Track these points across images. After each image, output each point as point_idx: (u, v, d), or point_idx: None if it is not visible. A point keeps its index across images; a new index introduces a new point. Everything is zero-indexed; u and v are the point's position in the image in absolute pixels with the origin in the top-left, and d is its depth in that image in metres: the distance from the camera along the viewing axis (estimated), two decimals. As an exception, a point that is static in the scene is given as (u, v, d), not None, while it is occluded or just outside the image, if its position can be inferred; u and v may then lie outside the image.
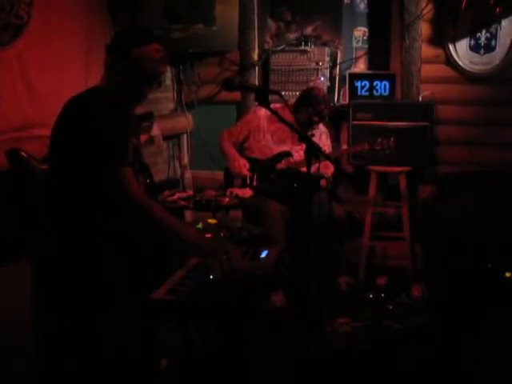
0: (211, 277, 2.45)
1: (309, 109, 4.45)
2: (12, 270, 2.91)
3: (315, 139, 4.54)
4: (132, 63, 2.45)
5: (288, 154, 4.53)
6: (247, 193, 4.48)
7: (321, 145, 4.56)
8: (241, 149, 4.71)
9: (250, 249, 2.74)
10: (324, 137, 4.72)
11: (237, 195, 4.43)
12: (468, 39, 4.80)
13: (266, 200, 4.35)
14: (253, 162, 4.57)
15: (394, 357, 3.51)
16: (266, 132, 4.60)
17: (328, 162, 4.09)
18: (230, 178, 4.62)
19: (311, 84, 5.02)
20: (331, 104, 4.57)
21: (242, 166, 4.54)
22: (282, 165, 4.53)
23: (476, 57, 4.79)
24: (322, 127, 4.74)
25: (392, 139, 4.41)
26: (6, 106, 3.47)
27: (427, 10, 4.84)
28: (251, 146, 4.63)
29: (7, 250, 2.96)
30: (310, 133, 4.55)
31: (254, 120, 4.64)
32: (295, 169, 4.47)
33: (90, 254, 2.42)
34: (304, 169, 4.32)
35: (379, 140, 4.43)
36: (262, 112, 4.62)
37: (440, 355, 3.46)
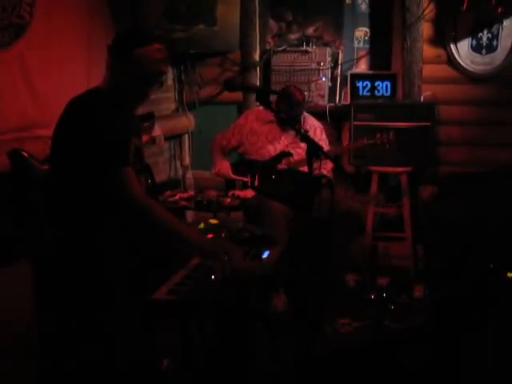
0: (212, 277, 2.45)
1: (280, 108, 4.45)
2: (12, 270, 2.91)
3: (310, 135, 4.53)
4: (133, 64, 2.45)
5: (288, 154, 4.52)
6: (249, 194, 4.48)
7: (316, 139, 4.55)
8: (239, 154, 4.71)
9: (251, 249, 2.73)
10: (318, 131, 4.70)
11: (239, 197, 4.43)
12: (469, 39, 4.80)
13: (268, 200, 4.35)
14: (253, 164, 4.57)
15: (394, 357, 3.50)
16: (260, 134, 4.60)
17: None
18: (232, 180, 4.62)
19: (306, 92, 5.05)
20: (298, 103, 4.54)
21: (225, 167, 4.56)
22: (282, 165, 4.53)
23: (478, 57, 4.79)
24: (315, 122, 4.73)
25: (392, 133, 4.39)
26: (8, 107, 3.46)
27: (428, 10, 4.83)
28: (248, 150, 4.63)
29: (7, 250, 2.96)
30: (303, 130, 4.54)
31: (246, 124, 4.65)
32: (296, 169, 4.47)
33: (90, 254, 2.42)
34: (304, 168, 4.33)
35: (379, 135, 4.41)
36: (253, 115, 4.64)
37: (440, 355, 3.46)
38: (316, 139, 4.55)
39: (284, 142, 4.58)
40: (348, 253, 4.70)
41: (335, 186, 4.65)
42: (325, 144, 4.72)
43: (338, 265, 4.57)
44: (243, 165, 4.64)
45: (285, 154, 4.53)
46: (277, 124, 4.55)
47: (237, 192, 4.49)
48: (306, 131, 4.55)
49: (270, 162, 4.52)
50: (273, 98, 4.47)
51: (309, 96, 5.08)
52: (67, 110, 2.49)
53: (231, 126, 4.80)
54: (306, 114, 4.70)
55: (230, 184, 4.62)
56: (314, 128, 4.69)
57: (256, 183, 4.54)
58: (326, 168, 4.52)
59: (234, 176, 4.57)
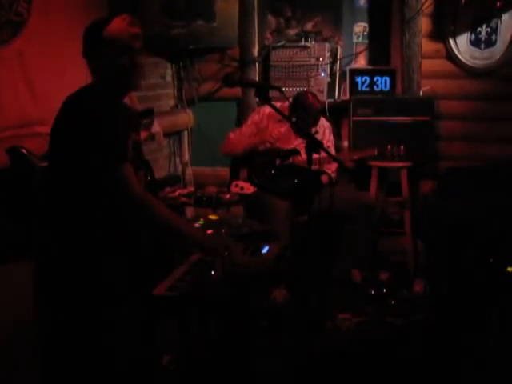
0: (212, 273, 2.45)
1: (296, 114, 4.43)
2: (12, 270, 2.91)
3: (319, 136, 4.53)
4: (107, 43, 2.40)
5: (296, 153, 4.49)
6: (251, 187, 4.47)
7: (324, 141, 4.56)
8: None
9: (251, 245, 2.74)
10: (327, 132, 4.71)
11: (242, 188, 4.43)
12: (468, 34, 4.80)
13: (269, 196, 4.34)
14: (253, 157, 4.55)
15: (395, 352, 3.51)
16: (271, 131, 4.58)
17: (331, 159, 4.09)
18: (236, 171, 4.59)
19: (306, 87, 5.04)
20: (318, 112, 4.54)
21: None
22: (288, 162, 4.51)
23: (477, 51, 4.79)
24: (325, 122, 4.73)
25: (402, 147, 4.40)
26: (7, 104, 3.47)
27: (427, 5, 4.83)
28: (258, 147, 4.60)
29: (7, 249, 2.96)
30: (314, 130, 4.54)
31: (261, 120, 4.61)
32: (296, 165, 4.46)
33: (90, 252, 2.41)
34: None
35: (389, 147, 4.41)
36: (266, 111, 4.60)
37: (441, 351, 3.46)
38: (324, 140, 4.56)
39: (294, 142, 4.56)
40: (355, 248, 4.66)
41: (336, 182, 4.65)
42: (332, 145, 4.72)
43: (344, 260, 4.54)
44: (247, 158, 4.61)
45: (293, 152, 4.50)
46: (288, 123, 4.51)
47: (240, 183, 4.48)
48: (317, 132, 4.55)
49: (274, 156, 4.51)
50: (273, 95, 4.45)
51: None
52: (64, 107, 2.48)
53: (245, 124, 4.71)
54: None
55: (234, 174, 4.59)
56: (324, 128, 4.68)
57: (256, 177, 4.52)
58: (331, 168, 4.52)
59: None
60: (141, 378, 2.55)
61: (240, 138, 4.63)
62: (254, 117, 4.68)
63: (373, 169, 4.81)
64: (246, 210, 4.55)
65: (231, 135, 4.66)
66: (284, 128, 4.54)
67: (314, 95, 4.58)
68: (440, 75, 4.93)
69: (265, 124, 4.59)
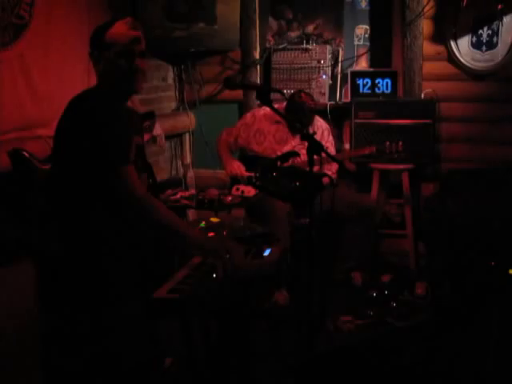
0: (214, 276, 2.45)
1: (291, 114, 4.43)
2: (12, 270, 2.91)
3: (317, 137, 4.53)
4: (109, 46, 2.41)
5: (295, 154, 4.50)
6: (252, 190, 4.48)
7: (323, 142, 4.55)
8: (244, 151, 4.68)
9: (252, 247, 2.74)
10: (326, 133, 4.71)
11: (243, 192, 4.43)
12: (470, 36, 4.80)
13: (270, 199, 4.34)
14: (255, 160, 4.56)
15: (396, 354, 3.50)
16: (267, 133, 4.58)
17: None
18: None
19: (307, 90, 5.04)
20: (311, 110, 4.53)
21: (237, 167, 4.54)
22: (288, 164, 4.51)
23: (478, 54, 4.79)
24: (323, 124, 4.73)
25: (400, 143, 4.39)
26: (8, 106, 3.47)
27: (428, 8, 4.83)
28: (254, 149, 4.59)
29: (8, 250, 2.96)
30: (311, 131, 4.54)
31: (253, 123, 4.61)
32: (297, 167, 4.46)
33: (91, 253, 2.42)
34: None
35: (387, 143, 4.41)
36: (261, 114, 4.60)
37: (442, 353, 3.46)
38: (323, 141, 4.55)
39: (291, 143, 4.56)
40: (356, 250, 4.67)
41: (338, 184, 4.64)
42: (331, 146, 4.71)
43: (345, 262, 4.54)
44: (246, 162, 4.62)
45: (292, 154, 4.50)
46: (285, 124, 4.52)
47: (241, 187, 4.49)
48: (314, 132, 4.55)
49: (275, 159, 4.51)
50: (275, 97, 4.44)
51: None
52: (67, 110, 2.49)
53: (238, 123, 4.74)
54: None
55: (235, 179, 4.60)
56: (322, 130, 4.68)
57: (258, 180, 4.52)
58: (332, 169, 4.52)
59: (247, 173, 4.53)
60: (142, 380, 2.55)
61: (227, 139, 4.67)
62: (247, 119, 4.68)
63: (374, 171, 4.82)
64: (248, 212, 4.55)
65: (223, 135, 4.70)
66: (279, 128, 4.55)
67: (307, 94, 4.58)
68: (441, 77, 4.93)
69: (257, 127, 4.59)
